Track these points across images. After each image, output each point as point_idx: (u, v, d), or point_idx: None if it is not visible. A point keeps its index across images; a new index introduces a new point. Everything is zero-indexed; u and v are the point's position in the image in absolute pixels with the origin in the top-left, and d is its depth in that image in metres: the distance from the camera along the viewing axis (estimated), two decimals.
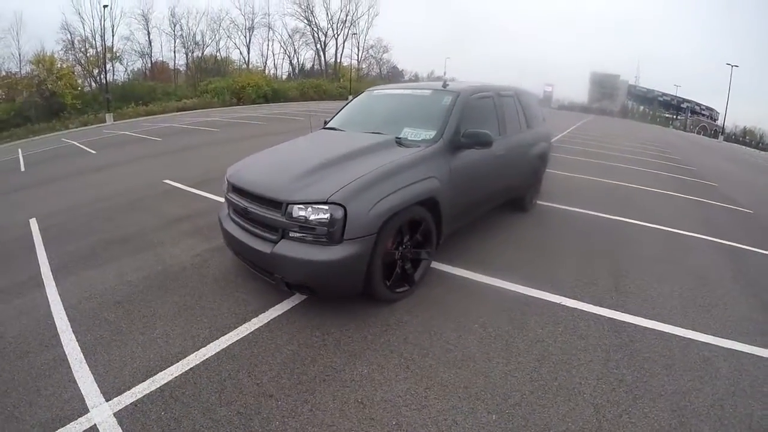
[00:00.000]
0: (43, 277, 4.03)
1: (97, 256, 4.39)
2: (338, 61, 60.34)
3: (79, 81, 38.08)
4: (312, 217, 2.62)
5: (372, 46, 63.90)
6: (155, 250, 4.40)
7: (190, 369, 2.46)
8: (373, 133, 3.78)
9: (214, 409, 2.15)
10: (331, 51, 61.33)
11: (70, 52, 39.54)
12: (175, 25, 48.34)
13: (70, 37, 39.60)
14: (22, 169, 12.55)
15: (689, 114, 71.14)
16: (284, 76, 57.82)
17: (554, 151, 11.22)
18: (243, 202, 3.08)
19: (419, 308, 3.13)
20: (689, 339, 2.95)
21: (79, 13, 40.02)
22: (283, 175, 2.99)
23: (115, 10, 42.08)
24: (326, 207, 2.60)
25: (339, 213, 2.59)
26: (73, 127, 29.24)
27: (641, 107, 78.57)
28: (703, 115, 71.26)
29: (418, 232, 3.14)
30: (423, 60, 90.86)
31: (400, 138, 3.58)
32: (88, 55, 39.93)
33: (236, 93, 40.72)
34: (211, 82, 43.08)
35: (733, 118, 58.21)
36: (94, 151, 14.03)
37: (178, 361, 2.52)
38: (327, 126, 4.54)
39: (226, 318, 2.97)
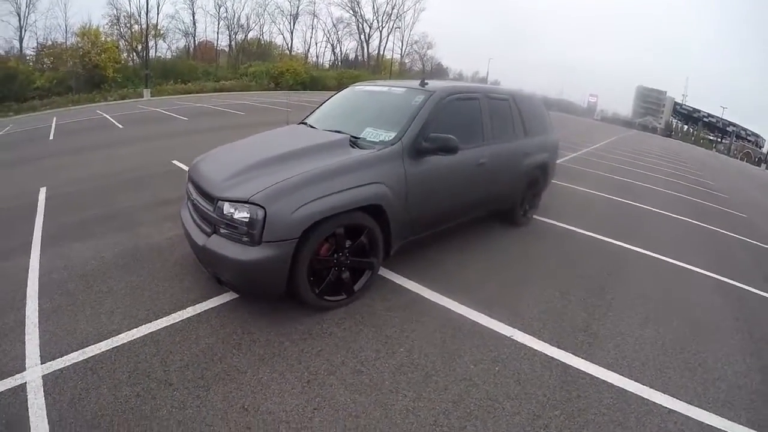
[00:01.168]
0: (32, 244, 4.42)
1: (85, 230, 4.78)
2: (381, 53, 60.88)
3: (123, 55, 40.20)
4: (236, 216, 2.68)
5: (416, 42, 64.49)
6: (136, 229, 4.74)
7: (116, 347, 2.69)
8: (336, 131, 3.74)
9: (120, 387, 2.37)
10: (374, 43, 62.24)
11: (115, 26, 41.95)
12: (219, 7, 50.34)
13: (115, 12, 41.95)
14: (51, 137, 13.44)
15: (734, 138, 68.45)
16: (327, 65, 58.97)
17: (577, 164, 11.22)
18: (193, 194, 3.28)
19: (351, 321, 3.04)
20: (653, 403, 2.52)
21: None
22: (226, 170, 3.07)
23: None
24: (247, 206, 2.65)
25: (259, 214, 2.62)
26: (111, 100, 30.85)
27: (685, 126, 76.66)
28: (749, 140, 68.63)
29: (361, 240, 3.10)
30: (468, 59, 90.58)
31: (358, 138, 3.51)
32: (132, 30, 42.09)
33: (274, 78, 41.76)
34: (251, 66, 44.40)
35: None
36: (121, 126, 14.86)
37: (109, 338, 2.77)
38: (302, 121, 4.57)
39: (166, 303, 3.16)
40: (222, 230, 2.79)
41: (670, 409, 2.51)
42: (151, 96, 31.75)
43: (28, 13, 39.38)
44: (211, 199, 2.90)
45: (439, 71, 65.44)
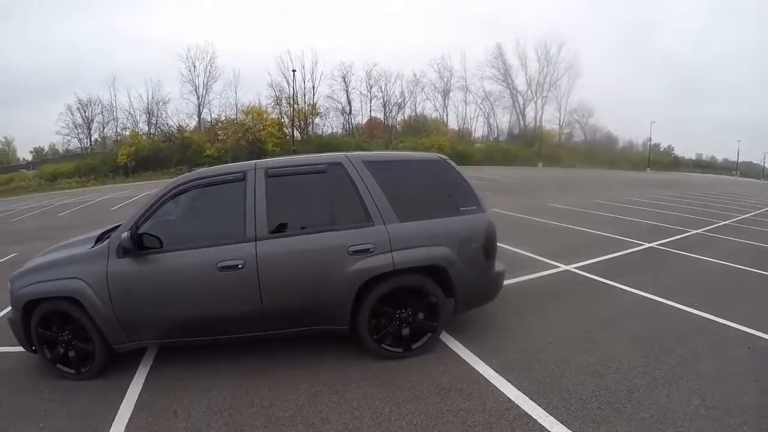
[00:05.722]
0: None
1: None
2: (538, 124, 61.07)
3: (286, 130, 48.32)
4: None
5: (575, 110, 63.15)
6: None
7: None
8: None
9: None
10: (530, 114, 63.08)
11: (276, 107, 51.21)
12: (371, 87, 57.30)
13: (276, 93, 51.48)
14: None
15: None
16: (483, 138, 62.08)
17: (678, 247, 7.80)
18: None
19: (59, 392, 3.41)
20: None
21: (284, 74, 51.37)
22: None
23: (317, 71, 53.40)
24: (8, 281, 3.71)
25: (8, 287, 3.63)
26: None
27: None
28: None
29: (75, 327, 3.51)
30: (636, 125, 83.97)
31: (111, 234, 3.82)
32: (292, 109, 50.29)
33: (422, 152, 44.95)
34: (402, 141, 48.45)
35: None
36: None
37: None
38: None
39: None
40: None
41: None
42: None
43: (205, 93, 51.89)
44: None
45: (609, 140, 63.60)
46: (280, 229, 3.52)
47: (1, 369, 3.84)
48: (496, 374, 3.33)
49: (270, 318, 3.53)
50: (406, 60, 78.61)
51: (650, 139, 62.87)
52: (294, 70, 48.40)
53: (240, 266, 3.37)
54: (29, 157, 55.60)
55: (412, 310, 3.66)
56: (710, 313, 4.52)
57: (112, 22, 75.97)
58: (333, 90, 55.71)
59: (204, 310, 3.48)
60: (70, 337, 3.51)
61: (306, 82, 52.68)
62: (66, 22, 76.59)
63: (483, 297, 4.03)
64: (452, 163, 4.05)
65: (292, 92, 49.46)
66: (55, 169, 42.66)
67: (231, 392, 3.26)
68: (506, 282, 4.57)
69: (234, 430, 2.85)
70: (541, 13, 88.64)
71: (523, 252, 7.19)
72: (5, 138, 58.59)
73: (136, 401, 3.20)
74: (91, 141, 51.85)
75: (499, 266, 4.01)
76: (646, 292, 5.23)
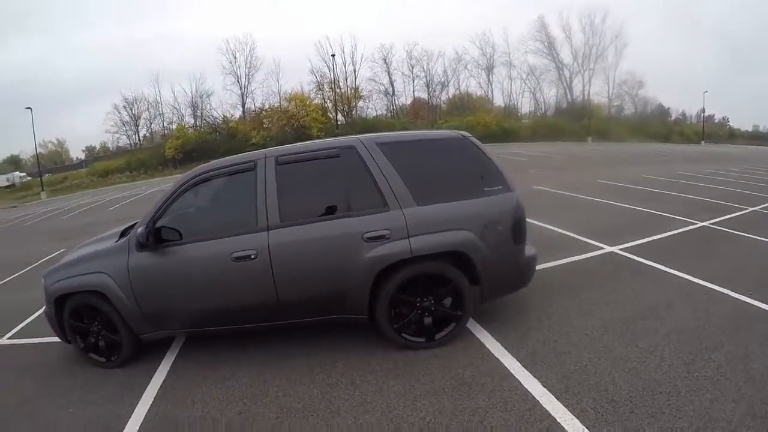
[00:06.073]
0: None
1: None
2: (586, 98, 58.01)
3: (330, 115, 48.35)
4: None
5: (624, 81, 58.94)
6: None
7: None
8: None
9: None
10: (578, 88, 59.75)
11: (319, 92, 51.05)
12: (413, 67, 55.83)
13: (318, 79, 51.25)
14: None
15: None
16: (537, 113, 60.10)
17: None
18: None
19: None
20: None
21: (324, 60, 50.81)
22: None
23: (357, 55, 52.64)
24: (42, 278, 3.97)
25: (42, 282, 3.87)
26: None
27: None
28: None
29: (103, 319, 3.66)
30: (690, 95, 77.49)
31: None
32: (335, 93, 50.21)
33: (466, 131, 44.21)
34: (447, 121, 47.59)
35: None
36: None
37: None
38: None
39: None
40: None
41: None
42: None
43: (248, 83, 52.23)
44: None
45: (661, 112, 60.30)
46: (292, 218, 3.42)
47: (43, 358, 4.14)
48: (523, 369, 3.09)
49: (286, 307, 3.46)
50: (446, 38, 75.83)
51: (704, 111, 58.74)
52: (333, 55, 48.14)
53: (253, 256, 3.34)
54: (82, 156, 58.56)
55: (435, 298, 3.46)
56: (767, 303, 3.99)
57: (150, 21, 78.90)
58: (375, 72, 54.79)
59: (221, 301, 3.50)
60: (99, 328, 3.69)
61: (347, 66, 52.43)
62: (103, 25, 78.66)
63: (512, 284, 3.76)
64: (475, 140, 3.76)
65: (333, 77, 49.42)
66: (107, 166, 44.72)
67: (250, 381, 3.29)
68: (544, 265, 4.32)
69: (246, 419, 2.86)
70: None
71: (565, 232, 6.80)
72: (58, 140, 61.73)
73: (159, 389, 3.33)
74: (139, 137, 53.90)
75: (530, 250, 3.73)
76: (695, 277, 4.72)
